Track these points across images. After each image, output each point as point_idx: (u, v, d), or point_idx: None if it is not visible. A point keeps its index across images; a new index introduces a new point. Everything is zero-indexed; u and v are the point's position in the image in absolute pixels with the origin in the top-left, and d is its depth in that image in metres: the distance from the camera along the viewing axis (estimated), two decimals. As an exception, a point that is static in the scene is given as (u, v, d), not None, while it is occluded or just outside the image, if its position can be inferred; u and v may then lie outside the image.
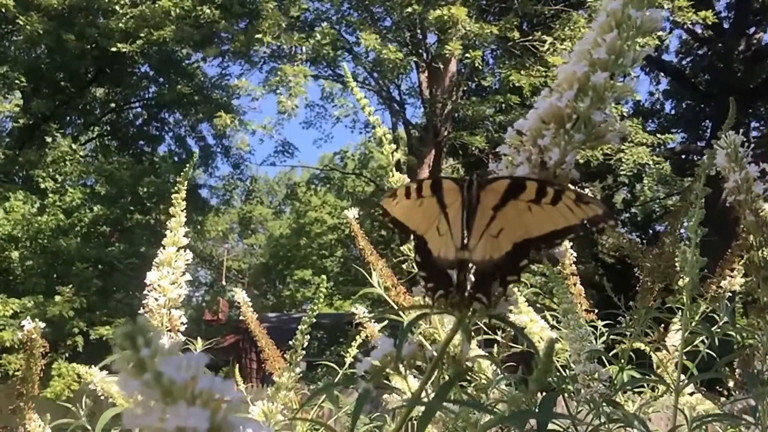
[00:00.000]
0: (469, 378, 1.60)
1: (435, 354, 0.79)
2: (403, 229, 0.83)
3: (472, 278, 0.76)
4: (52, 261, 14.22)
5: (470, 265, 0.76)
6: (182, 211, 1.53)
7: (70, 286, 13.20)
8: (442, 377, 0.81)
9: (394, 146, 1.54)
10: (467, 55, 13.39)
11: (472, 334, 0.80)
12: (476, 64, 13.86)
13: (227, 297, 22.93)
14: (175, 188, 1.54)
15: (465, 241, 0.76)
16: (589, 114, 0.74)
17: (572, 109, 0.74)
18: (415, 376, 0.91)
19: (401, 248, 1.55)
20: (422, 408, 0.75)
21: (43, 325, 1.59)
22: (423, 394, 0.76)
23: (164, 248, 1.50)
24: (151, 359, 0.41)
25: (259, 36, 13.68)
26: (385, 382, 0.83)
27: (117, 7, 14.32)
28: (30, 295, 13.28)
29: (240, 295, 2.19)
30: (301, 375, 1.72)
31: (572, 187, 0.76)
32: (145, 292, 1.47)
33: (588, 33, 0.77)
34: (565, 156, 0.75)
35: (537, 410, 0.92)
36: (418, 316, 0.84)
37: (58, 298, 12.91)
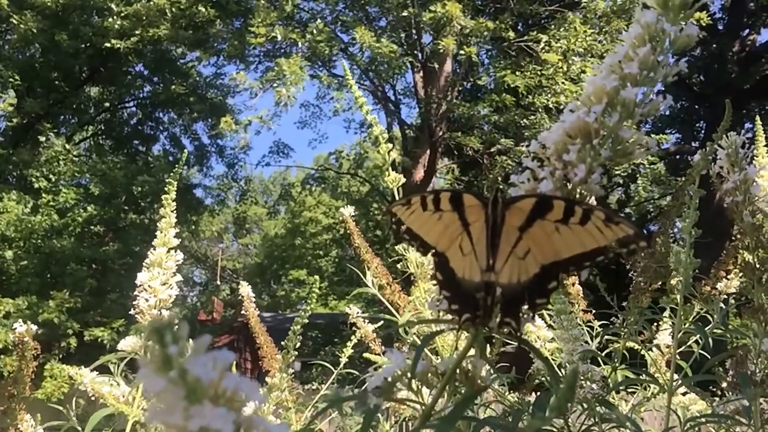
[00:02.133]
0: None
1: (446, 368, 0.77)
2: (421, 242, 0.79)
3: (499, 301, 0.72)
4: (46, 261, 14.17)
5: (497, 287, 0.72)
6: (172, 211, 1.53)
7: (64, 291, 13.16)
8: (453, 394, 0.79)
9: (390, 146, 1.54)
10: (461, 51, 13.36)
11: (485, 350, 0.78)
12: (472, 59, 13.84)
13: (222, 297, 22.91)
14: (166, 188, 1.53)
15: (491, 263, 0.73)
16: (617, 130, 0.71)
17: (600, 124, 0.72)
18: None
19: (396, 248, 1.55)
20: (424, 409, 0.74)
21: (35, 327, 1.58)
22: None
23: (155, 249, 1.49)
24: (179, 356, 0.40)
25: (252, 29, 13.62)
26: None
27: (113, 6, 14.28)
28: (24, 295, 13.24)
29: (245, 289, 2.17)
30: (294, 375, 1.71)
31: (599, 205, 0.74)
32: (136, 292, 1.47)
33: (619, 46, 0.74)
34: (591, 173, 0.72)
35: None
36: (433, 334, 0.81)
37: (51, 303, 12.84)
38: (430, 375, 0.77)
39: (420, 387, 0.77)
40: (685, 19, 0.72)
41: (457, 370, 0.75)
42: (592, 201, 0.76)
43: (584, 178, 0.72)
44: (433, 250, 0.78)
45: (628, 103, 0.71)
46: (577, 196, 0.74)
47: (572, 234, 0.71)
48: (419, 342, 1.46)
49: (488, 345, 1.99)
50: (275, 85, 13.94)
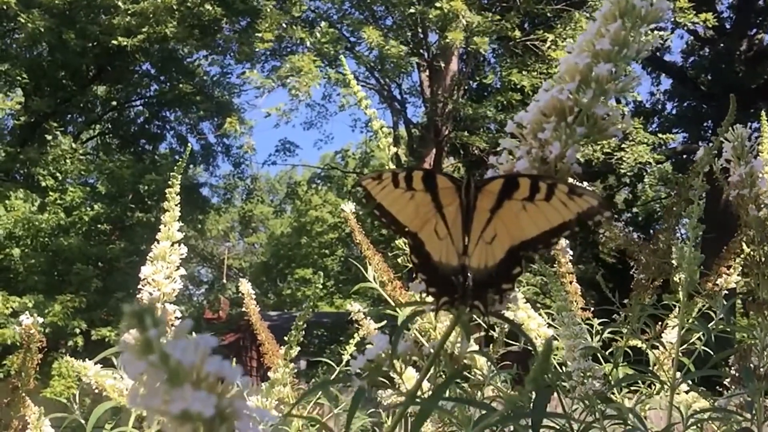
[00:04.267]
0: (464, 375, 1.59)
1: (432, 351, 0.78)
2: (391, 219, 0.78)
3: (471, 284, 0.73)
4: (53, 259, 14.22)
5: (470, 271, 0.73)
6: (176, 205, 1.53)
7: (71, 294, 13.19)
8: (439, 374, 0.79)
9: (390, 140, 1.55)
10: (475, 39, 13.23)
11: (471, 331, 0.78)
12: (480, 52, 13.76)
13: (228, 295, 22.95)
14: (170, 182, 1.53)
15: (466, 247, 0.74)
16: (591, 107, 0.71)
17: (574, 101, 0.71)
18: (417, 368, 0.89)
19: (397, 242, 1.55)
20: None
21: (41, 320, 1.59)
22: (418, 391, 0.75)
23: (158, 242, 1.49)
24: (159, 339, 0.40)
25: (259, 34, 13.64)
26: (383, 380, 0.82)
27: (119, 3, 14.33)
28: (31, 293, 13.29)
29: (245, 286, 2.17)
30: (297, 371, 1.71)
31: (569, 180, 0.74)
32: (140, 286, 1.47)
33: (591, 24, 0.74)
34: (566, 150, 0.72)
35: (531, 408, 0.91)
36: (414, 314, 0.82)
37: (57, 306, 12.87)
38: (416, 357, 0.78)
39: (403, 368, 0.77)
40: None
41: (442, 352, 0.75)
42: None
43: (559, 155, 0.72)
44: (406, 230, 0.78)
45: (602, 80, 0.71)
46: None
47: (538, 211, 0.71)
48: (420, 338, 1.46)
49: (491, 343, 1.99)
50: (288, 82, 13.91)
